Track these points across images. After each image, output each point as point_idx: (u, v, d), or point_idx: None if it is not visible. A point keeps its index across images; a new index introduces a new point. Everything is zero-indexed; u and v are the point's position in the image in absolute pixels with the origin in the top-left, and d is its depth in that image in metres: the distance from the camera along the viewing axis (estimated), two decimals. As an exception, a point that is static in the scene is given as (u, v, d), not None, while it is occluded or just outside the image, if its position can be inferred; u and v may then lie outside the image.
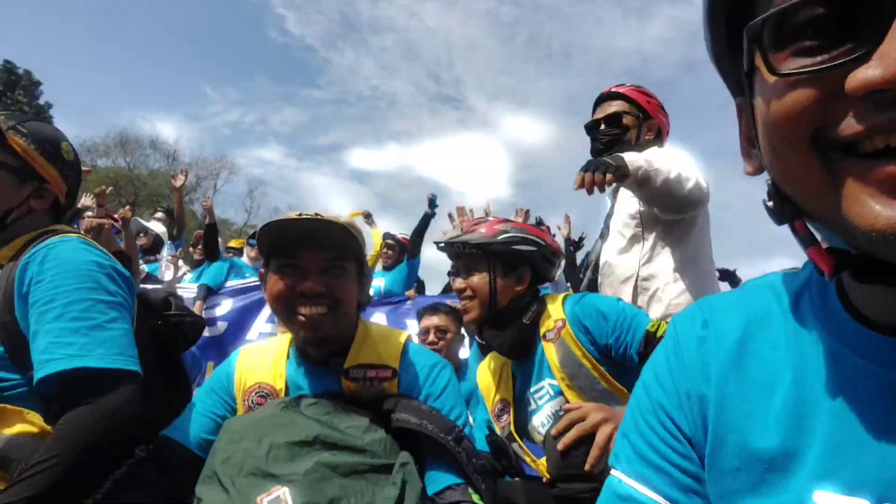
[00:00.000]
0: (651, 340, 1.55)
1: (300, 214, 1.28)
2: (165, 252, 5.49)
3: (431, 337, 3.05)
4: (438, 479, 1.23)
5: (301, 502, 1.06)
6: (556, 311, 1.75)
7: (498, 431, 1.74)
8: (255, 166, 50.65)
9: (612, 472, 0.63)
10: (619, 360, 1.63)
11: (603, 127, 2.33)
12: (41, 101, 21.93)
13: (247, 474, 1.10)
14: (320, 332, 1.30)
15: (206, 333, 4.48)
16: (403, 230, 5.52)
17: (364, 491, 1.11)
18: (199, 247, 5.55)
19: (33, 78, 21.70)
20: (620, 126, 2.29)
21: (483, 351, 2.64)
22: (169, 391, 1.51)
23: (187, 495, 1.17)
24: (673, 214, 2.09)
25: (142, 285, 3.31)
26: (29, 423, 1.16)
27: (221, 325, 4.58)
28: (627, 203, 2.28)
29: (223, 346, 4.41)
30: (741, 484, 0.52)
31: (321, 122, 60.10)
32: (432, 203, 4.85)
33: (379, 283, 5.00)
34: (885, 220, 0.39)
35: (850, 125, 0.41)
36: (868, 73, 0.38)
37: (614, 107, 2.32)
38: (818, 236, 0.50)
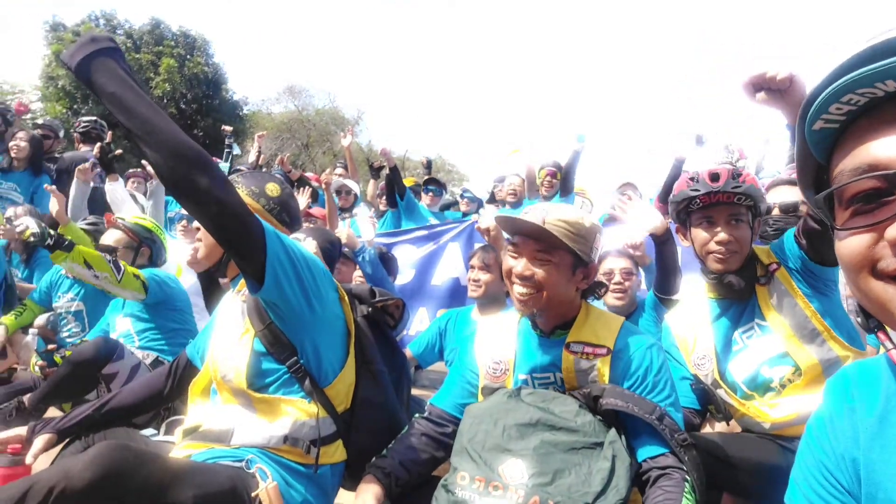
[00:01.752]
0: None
1: (528, 211, 1.56)
2: (362, 209, 5.97)
3: (618, 278, 2.96)
4: (652, 447, 1.46)
5: (532, 472, 1.38)
6: (765, 255, 1.90)
7: (701, 377, 1.92)
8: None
9: None
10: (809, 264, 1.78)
11: (776, 213, 2.35)
12: (215, 60, 24.13)
13: (489, 449, 1.45)
14: (526, 309, 1.60)
15: (397, 281, 5.02)
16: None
17: (581, 464, 1.40)
18: (383, 197, 5.91)
19: (205, 37, 23.85)
20: (796, 215, 2.31)
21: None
22: (390, 360, 1.93)
23: None
24: None
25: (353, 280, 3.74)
26: (301, 409, 1.59)
27: (409, 273, 5.01)
28: None
29: (410, 293, 4.83)
30: None
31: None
32: (580, 139, 4.92)
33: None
34: None
35: (890, 262, 0.62)
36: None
37: (793, 195, 2.34)
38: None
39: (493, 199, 6.80)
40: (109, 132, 4.62)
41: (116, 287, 2.83)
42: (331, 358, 1.65)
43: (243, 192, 1.73)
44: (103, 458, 1.21)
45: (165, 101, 21.50)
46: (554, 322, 1.63)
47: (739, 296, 1.89)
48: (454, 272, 4.96)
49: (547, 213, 1.54)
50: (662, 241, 2.55)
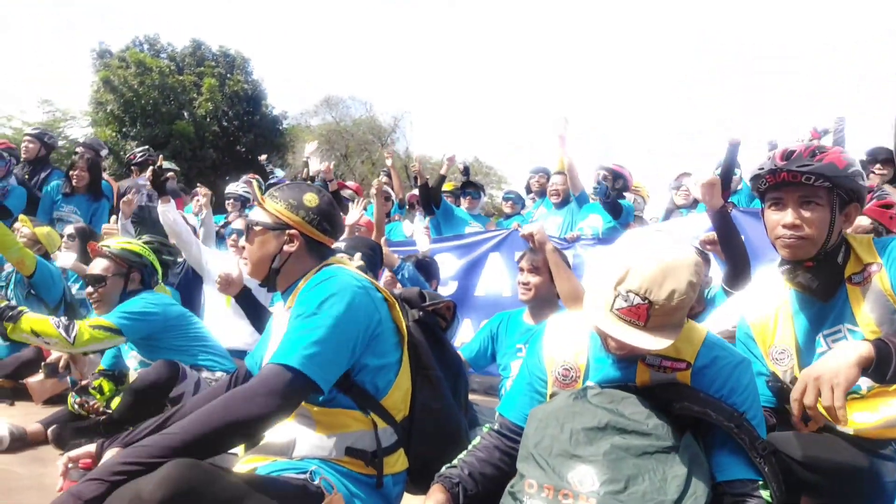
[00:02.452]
0: None
1: (625, 296, 1.41)
2: (417, 222, 6.09)
3: (524, 278, 2.91)
4: (728, 468, 1.37)
5: (603, 479, 1.31)
6: (866, 253, 1.68)
7: (780, 375, 1.78)
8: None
9: None
10: None
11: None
12: (254, 77, 24.70)
13: (556, 455, 1.38)
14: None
15: (441, 292, 4.96)
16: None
17: (655, 469, 1.32)
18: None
19: (243, 55, 24.47)
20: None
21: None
22: (445, 363, 1.89)
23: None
24: None
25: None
26: (360, 421, 1.59)
27: (452, 285, 4.91)
28: None
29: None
30: None
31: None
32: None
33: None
34: None
35: None
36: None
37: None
38: None
39: (529, 190, 6.77)
40: (160, 156, 4.76)
41: (72, 349, 2.72)
42: (385, 372, 1.64)
43: (282, 206, 1.73)
44: (174, 476, 1.20)
45: (208, 119, 22.10)
46: None
47: (821, 296, 1.70)
48: (497, 287, 4.83)
49: (651, 303, 1.33)
50: (719, 223, 2.44)
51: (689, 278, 1.34)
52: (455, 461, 1.59)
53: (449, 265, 4.92)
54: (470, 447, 1.64)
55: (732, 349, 1.53)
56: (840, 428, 1.64)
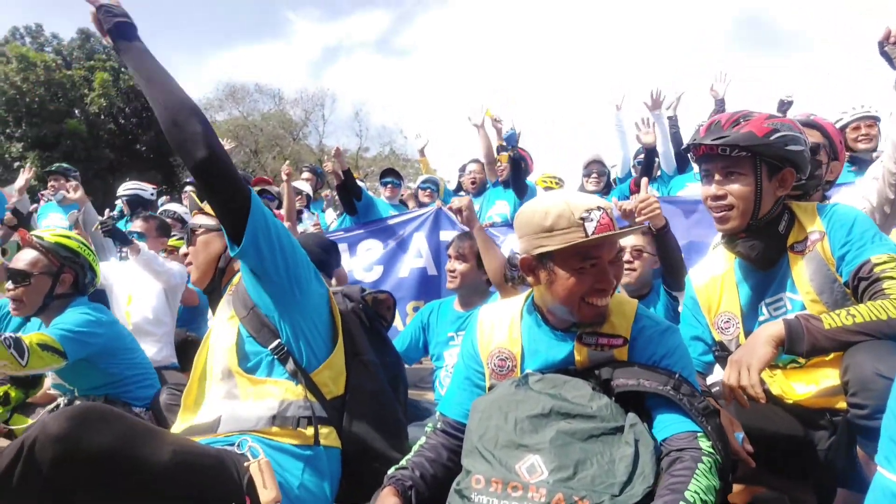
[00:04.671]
0: (864, 275, 1.51)
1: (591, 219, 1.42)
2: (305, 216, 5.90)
3: (627, 256, 2.72)
4: (667, 426, 1.36)
5: (552, 467, 1.26)
6: (810, 221, 1.66)
7: (725, 343, 1.79)
8: (354, 83, 50.83)
9: (883, 472, 0.74)
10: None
11: None
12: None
13: (502, 446, 1.33)
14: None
15: (366, 279, 4.87)
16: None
17: (603, 452, 1.29)
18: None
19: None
20: (815, 160, 1.98)
21: None
22: (383, 357, 1.89)
23: None
24: None
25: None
26: (288, 390, 1.61)
27: (378, 269, 4.91)
28: None
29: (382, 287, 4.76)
30: None
31: (404, 19, 57.76)
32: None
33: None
34: None
35: None
36: None
37: (812, 137, 2.05)
38: None
39: (459, 189, 6.71)
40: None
41: (23, 371, 2.24)
42: (316, 345, 1.66)
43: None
44: (79, 409, 1.29)
45: (102, 116, 20.66)
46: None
47: (761, 265, 1.71)
48: (419, 262, 4.85)
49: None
50: (659, 233, 2.45)
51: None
52: (403, 461, 1.52)
53: (373, 251, 4.91)
54: (416, 448, 1.58)
55: (660, 318, 1.56)
56: (782, 397, 1.68)
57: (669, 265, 2.50)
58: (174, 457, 1.34)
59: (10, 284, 2.51)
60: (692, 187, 4.61)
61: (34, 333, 2.28)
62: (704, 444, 1.31)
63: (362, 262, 4.95)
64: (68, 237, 2.67)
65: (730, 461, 1.35)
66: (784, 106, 4.75)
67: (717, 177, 1.66)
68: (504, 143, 4.85)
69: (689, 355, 1.49)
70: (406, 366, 3.55)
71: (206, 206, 1.86)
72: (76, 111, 20.48)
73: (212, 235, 1.86)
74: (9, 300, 2.55)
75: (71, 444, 1.22)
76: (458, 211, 2.76)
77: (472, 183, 5.66)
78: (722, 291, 1.82)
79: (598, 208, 1.39)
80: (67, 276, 2.58)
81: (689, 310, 1.92)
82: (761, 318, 1.72)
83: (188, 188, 6.59)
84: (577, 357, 1.49)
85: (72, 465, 1.23)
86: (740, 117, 1.63)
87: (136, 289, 3.58)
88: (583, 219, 1.38)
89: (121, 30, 1.56)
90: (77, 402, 2.27)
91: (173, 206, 5.54)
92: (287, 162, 5.53)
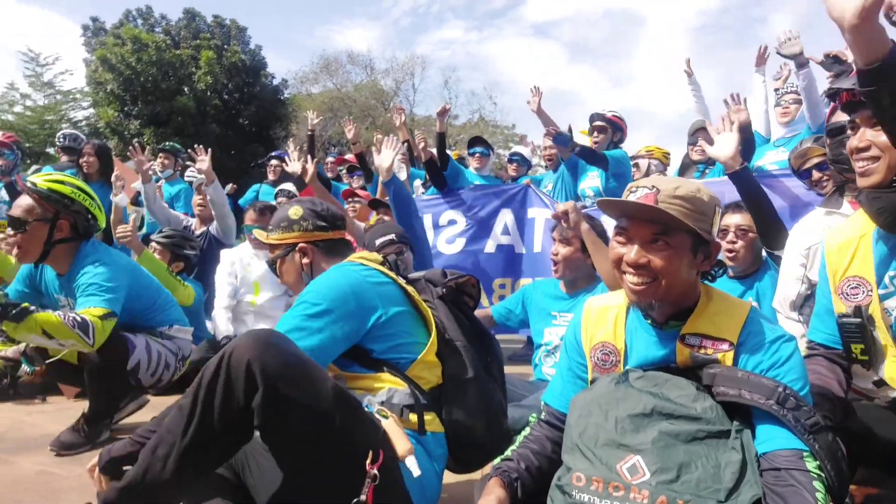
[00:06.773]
0: None
1: (634, 189, 1.42)
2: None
3: (731, 236, 2.74)
4: (770, 440, 1.29)
5: (655, 468, 1.25)
6: None
7: (846, 310, 1.67)
8: (442, 50, 50.61)
9: None
10: None
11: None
12: (251, 46, 24.24)
13: (602, 445, 1.32)
14: (642, 301, 1.44)
15: (447, 251, 4.94)
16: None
17: (708, 455, 1.26)
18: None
19: (239, 25, 23.98)
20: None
21: None
22: (474, 340, 1.89)
23: None
24: None
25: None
26: (392, 383, 1.67)
27: (460, 242, 4.92)
28: None
29: (461, 264, 4.75)
30: None
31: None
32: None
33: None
34: None
35: None
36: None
37: None
38: None
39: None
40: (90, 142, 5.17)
41: (92, 350, 2.38)
42: (405, 348, 1.69)
43: (278, 233, 1.97)
44: (265, 332, 1.42)
45: (209, 93, 21.84)
46: (669, 311, 1.46)
47: (890, 227, 1.52)
48: (505, 239, 4.83)
49: (659, 190, 1.37)
50: (737, 178, 2.40)
51: (698, 185, 1.42)
52: (509, 452, 1.56)
53: (457, 223, 4.93)
54: (521, 438, 1.61)
55: (775, 326, 1.45)
56: None
57: (757, 213, 2.43)
58: (335, 388, 1.41)
59: (9, 230, 2.52)
60: (770, 155, 4.35)
61: (87, 309, 2.39)
62: (811, 464, 1.24)
63: (445, 235, 4.97)
64: (61, 182, 2.59)
65: (842, 483, 1.26)
66: None
67: (861, 126, 1.50)
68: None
69: (803, 367, 1.39)
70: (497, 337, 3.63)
71: (267, 236, 2.02)
72: (185, 89, 21.78)
73: (288, 257, 1.98)
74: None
75: (264, 358, 1.32)
76: (564, 215, 2.63)
77: (549, 159, 5.51)
78: (855, 254, 1.65)
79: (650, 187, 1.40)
80: (64, 223, 2.56)
81: (823, 279, 1.77)
82: (882, 292, 1.57)
83: (273, 161, 6.89)
84: (678, 358, 1.45)
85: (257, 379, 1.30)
86: None
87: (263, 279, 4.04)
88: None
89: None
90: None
91: (287, 186, 5.62)
92: (377, 134, 5.63)
